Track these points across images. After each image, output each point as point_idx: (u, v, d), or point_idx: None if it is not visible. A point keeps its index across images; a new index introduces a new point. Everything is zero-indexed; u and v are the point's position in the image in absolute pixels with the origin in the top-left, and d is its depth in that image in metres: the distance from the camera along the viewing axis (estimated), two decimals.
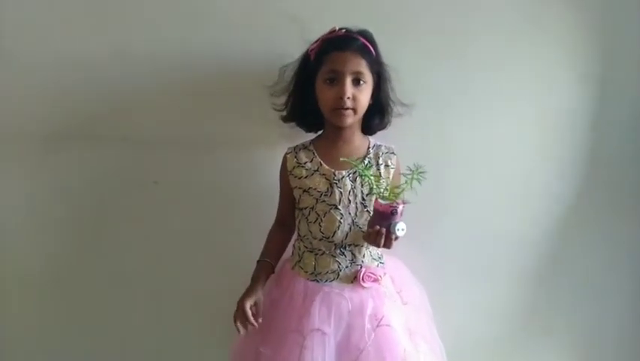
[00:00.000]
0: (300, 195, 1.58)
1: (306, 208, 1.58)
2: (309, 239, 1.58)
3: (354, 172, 1.53)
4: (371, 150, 1.59)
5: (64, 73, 1.76)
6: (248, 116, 1.77)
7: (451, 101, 1.79)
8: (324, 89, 1.52)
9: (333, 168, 1.55)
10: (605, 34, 1.79)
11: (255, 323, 1.48)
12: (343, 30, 1.54)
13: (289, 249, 1.69)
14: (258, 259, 1.63)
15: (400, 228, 1.40)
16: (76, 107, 1.78)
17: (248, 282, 1.58)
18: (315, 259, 1.57)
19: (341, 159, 1.51)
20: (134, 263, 1.87)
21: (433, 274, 1.77)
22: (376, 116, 1.62)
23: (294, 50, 1.61)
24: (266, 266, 1.61)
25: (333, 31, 1.54)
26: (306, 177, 1.57)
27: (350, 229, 1.54)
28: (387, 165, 1.58)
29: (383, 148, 1.61)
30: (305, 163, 1.58)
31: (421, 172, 1.42)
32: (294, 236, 1.67)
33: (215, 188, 1.82)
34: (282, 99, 1.65)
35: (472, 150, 1.81)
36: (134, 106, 1.79)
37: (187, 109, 1.79)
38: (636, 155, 1.86)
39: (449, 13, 1.76)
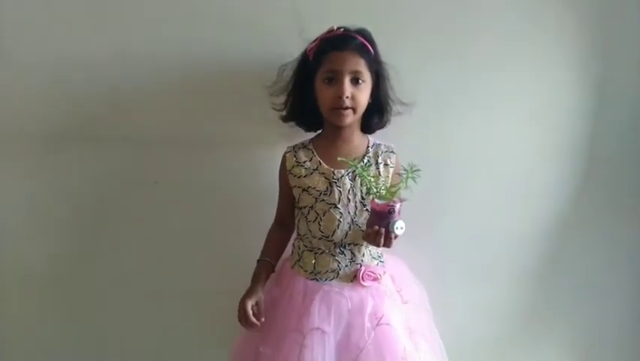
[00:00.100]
0: (300, 195, 1.58)
1: (305, 207, 1.58)
2: (308, 238, 1.58)
3: (354, 171, 1.53)
4: (370, 149, 1.60)
5: (64, 73, 1.76)
6: (248, 116, 1.77)
7: (451, 100, 1.79)
8: (323, 89, 1.52)
9: (332, 167, 1.55)
10: (605, 34, 1.79)
11: (257, 323, 1.49)
12: (341, 29, 1.54)
13: (289, 248, 1.69)
14: (258, 258, 1.63)
15: (399, 226, 1.40)
16: (76, 107, 1.78)
17: (248, 282, 1.58)
18: (315, 258, 1.57)
19: (338, 158, 1.52)
20: (134, 263, 1.86)
21: (433, 273, 1.76)
22: (375, 115, 1.62)
23: (294, 49, 1.61)
24: (266, 266, 1.61)
25: (331, 31, 1.55)
26: (305, 176, 1.57)
27: (349, 227, 1.54)
28: (386, 164, 1.58)
29: (382, 147, 1.61)
30: (304, 162, 1.58)
31: (415, 170, 1.42)
32: (294, 235, 1.67)
33: (215, 188, 1.82)
34: (282, 99, 1.65)
35: (472, 149, 1.81)
36: (134, 106, 1.78)
37: (187, 109, 1.79)
38: (636, 155, 1.86)
39: (449, 13, 1.76)
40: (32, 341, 1.91)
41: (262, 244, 1.67)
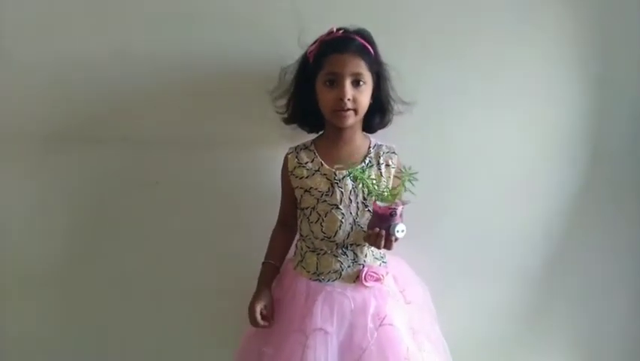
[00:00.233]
0: (302, 195, 1.59)
1: (307, 208, 1.58)
2: (310, 239, 1.58)
3: (350, 173, 1.53)
4: (372, 150, 1.59)
5: (64, 73, 1.76)
6: (248, 116, 1.77)
7: (452, 100, 1.79)
8: (324, 91, 1.52)
9: (334, 168, 1.55)
10: (605, 34, 1.80)
11: (267, 325, 1.53)
12: (341, 31, 1.54)
13: (291, 249, 1.69)
14: (262, 261, 1.64)
15: (400, 229, 1.40)
16: (76, 107, 1.78)
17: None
18: (318, 258, 1.57)
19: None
20: (134, 263, 1.86)
21: (435, 273, 1.76)
22: (377, 115, 1.62)
23: (294, 49, 1.61)
24: (271, 268, 1.63)
25: (331, 33, 1.54)
26: (307, 177, 1.57)
27: (351, 228, 1.54)
28: (387, 165, 1.58)
29: (384, 148, 1.61)
30: (306, 163, 1.58)
31: (412, 173, 1.42)
32: (297, 236, 1.67)
33: (215, 188, 1.82)
34: (284, 102, 1.65)
35: (473, 149, 1.81)
36: (134, 106, 1.79)
37: (187, 109, 1.79)
38: (636, 154, 1.86)
39: (449, 13, 1.76)
40: (32, 341, 1.91)
41: (262, 244, 1.67)
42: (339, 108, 1.50)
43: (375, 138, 1.64)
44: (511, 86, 1.80)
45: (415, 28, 1.77)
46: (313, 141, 1.63)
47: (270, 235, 1.69)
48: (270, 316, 1.55)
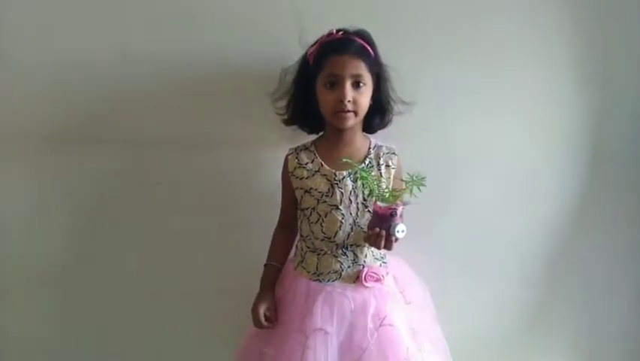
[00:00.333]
0: (302, 196, 1.59)
1: (307, 209, 1.58)
2: (311, 239, 1.58)
3: (356, 172, 1.53)
4: (372, 151, 1.59)
5: (64, 73, 1.76)
6: (248, 116, 1.77)
7: (452, 101, 1.79)
8: (324, 93, 1.51)
9: (334, 168, 1.55)
10: (605, 34, 1.80)
11: (271, 327, 1.55)
12: (341, 32, 1.53)
13: (292, 249, 1.69)
14: (264, 262, 1.65)
15: (400, 230, 1.40)
16: (76, 107, 1.78)
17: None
18: (318, 259, 1.57)
19: (341, 160, 1.52)
20: (134, 263, 1.86)
21: (435, 273, 1.76)
22: (377, 116, 1.62)
23: (295, 49, 1.60)
24: (273, 270, 1.64)
25: (331, 34, 1.54)
26: (307, 178, 1.57)
27: (351, 229, 1.54)
28: (388, 166, 1.58)
29: (384, 148, 1.61)
30: (306, 164, 1.59)
31: (421, 179, 1.42)
32: (297, 237, 1.67)
33: (215, 188, 1.82)
34: (284, 103, 1.65)
35: (473, 149, 1.81)
36: (134, 106, 1.78)
37: (187, 109, 1.79)
38: (637, 154, 1.86)
39: (449, 13, 1.76)
40: (32, 341, 1.91)
41: (262, 244, 1.67)
42: (340, 110, 1.49)
43: (375, 139, 1.64)
44: (511, 86, 1.80)
45: (415, 28, 1.77)
46: (313, 142, 1.63)
47: (269, 235, 1.69)
48: (273, 317, 1.56)
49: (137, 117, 1.79)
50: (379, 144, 1.62)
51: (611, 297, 1.93)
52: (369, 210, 1.53)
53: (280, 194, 1.67)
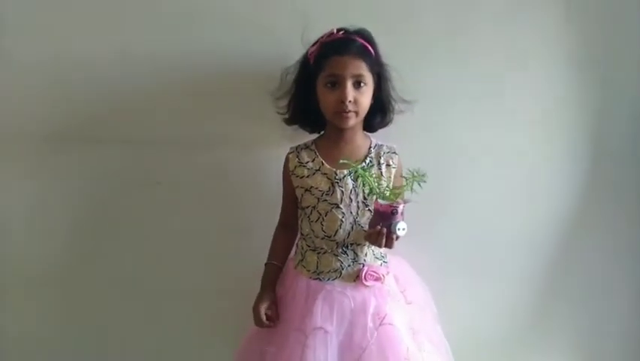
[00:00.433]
0: (302, 195, 1.59)
1: (308, 207, 1.58)
2: (311, 238, 1.58)
3: (356, 171, 1.53)
4: (372, 150, 1.60)
5: (64, 73, 1.76)
6: (248, 116, 1.77)
7: (452, 101, 1.79)
8: (325, 93, 1.51)
9: (334, 167, 1.56)
10: (605, 35, 1.80)
11: (273, 325, 1.55)
12: (341, 32, 1.53)
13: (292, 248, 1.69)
14: (265, 262, 1.65)
15: (401, 227, 1.40)
16: (76, 107, 1.78)
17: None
18: (318, 257, 1.57)
19: (340, 161, 1.51)
20: (134, 263, 1.86)
21: (435, 273, 1.76)
22: (378, 115, 1.62)
23: (295, 49, 1.60)
24: (274, 269, 1.64)
25: (331, 34, 1.54)
26: (307, 177, 1.57)
27: (352, 227, 1.55)
28: (388, 165, 1.58)
29: (385, 148, 1.61)
30: (307, 163, 1.59)
31: (421, 175, 1.42)
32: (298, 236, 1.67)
33: (215, 188, 1.82)
34: (285, 102, 1.65)
35: (473, 149, 1.81)
36: (134, 106, 1.78)
37: (187, 109, 1.78)
38: (636, 154, 1.86)
39: (449, 13, 1.76)
40: (32, 341, 1.91)
41: (263, 244, 1.67)
42: (341, 110, 1.50)
43: (375, 138, 1.64)
44: (511, 86, 1.80)
45: (415, 28, 1.77)
46: (314, 141, 1.64)
47: (269, 235, 1.69)
48: (274, 316, 1.56)
49: (137, 117, 1.79)
50: (380, 143, 1.62)
51: (611, 297, 1.93)
52: (369, 209, 1.54)
53: (281, 194, 1.67)
